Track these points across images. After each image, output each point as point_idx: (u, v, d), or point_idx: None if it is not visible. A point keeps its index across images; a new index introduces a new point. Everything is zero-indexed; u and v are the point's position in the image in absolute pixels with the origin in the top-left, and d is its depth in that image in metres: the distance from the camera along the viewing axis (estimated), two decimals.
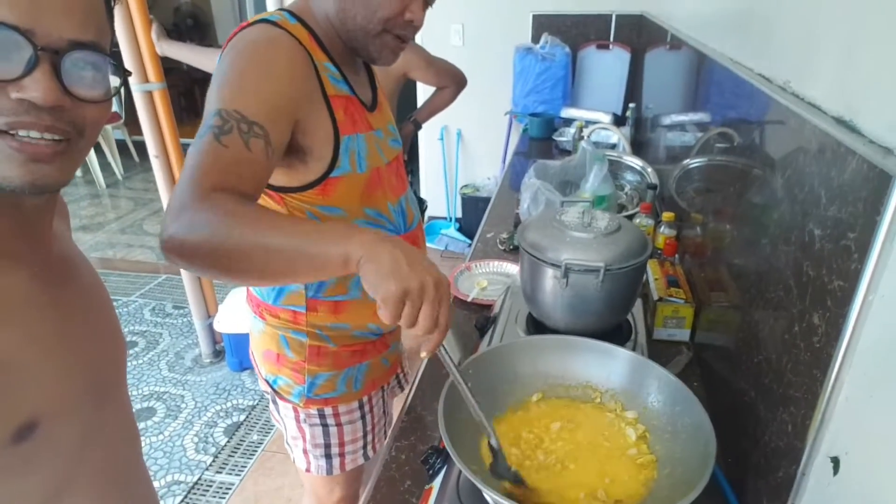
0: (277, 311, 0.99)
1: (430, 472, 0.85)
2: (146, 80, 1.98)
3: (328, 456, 1.09)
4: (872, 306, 0.54)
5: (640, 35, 2.78)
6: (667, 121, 1.98)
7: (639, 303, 1.26)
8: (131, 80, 1.98)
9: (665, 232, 1.42)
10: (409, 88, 2.08)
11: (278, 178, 0.86)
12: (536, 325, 1.14)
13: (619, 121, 2.51)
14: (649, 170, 1.76)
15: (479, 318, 1.25)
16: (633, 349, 1.07)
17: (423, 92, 2.91)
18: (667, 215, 1.42)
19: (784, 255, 0.75)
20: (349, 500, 1.18)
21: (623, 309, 1.11)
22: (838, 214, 0.61)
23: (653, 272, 1.29)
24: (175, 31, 7.42)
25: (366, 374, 1.06)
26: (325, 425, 1.06)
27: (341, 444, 1.09)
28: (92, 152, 4.39)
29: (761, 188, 0.89)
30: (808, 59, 0.78)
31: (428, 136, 3.42)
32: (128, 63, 1.94)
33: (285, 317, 0.98)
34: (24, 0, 0.44)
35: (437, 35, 2.98)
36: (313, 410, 1.05)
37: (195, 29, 7.95)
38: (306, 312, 0.97)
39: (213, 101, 0.74)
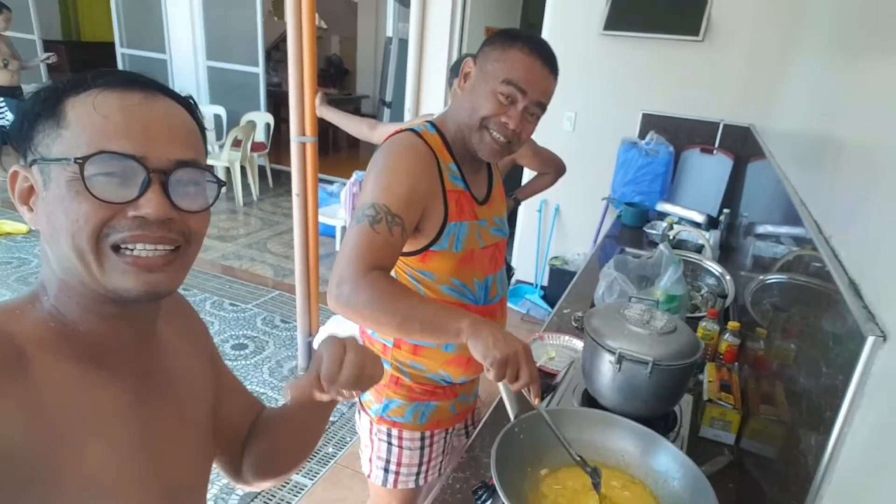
0: (373, 340, 1.23)
1: (478, 501, 1.04)
2: (303, 134, 2.41)
3: (386, 470, 1.28)
4: (847, 438, 0.68)
5: (745, 145, 2.88)
6: (759, 230, 2.07)
7: (690, 399, 1.38)
8: (292, 129, 2.42)
9: (728, 339, 1.52)
10: (516, 168, 2.35)
11: None
12: (590, 401, 1.30)
13: (712, 222, 2.60)
14: (727, 278, 1.86)
15: (543, 383, 1.43)
16: (674, 440, 1.20)
17: (529, 171, 3.17)
18: (732, 324, 1.53)
19: (808, 380, 0.89)
20: None
21: (668, 401, 1.25)
22: (838, 358, 0.75)
23: (709, 374, 1.41)
24: (321, 76, 8.45)
25: (432, 413, 1.25)
26: (389, 443, 1.26)
27: (398, 464, 1.27)
28: (238, 173, 5.10)
29: (822, 318, 0.98)
30: (845, 221, 0.93)
31: (529, 206, 3.67)
32: (293, 119, 2.38)
33: (378, 346, 1.22)
34: (138, 132, 0.53)
35: (550, 118, 3.23)
36: (383, 427, 1.25)
37: (338, 76, 8.96)
38: (392, 347, 1.20)
39: (368, 192, 1.02)
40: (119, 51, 6.43)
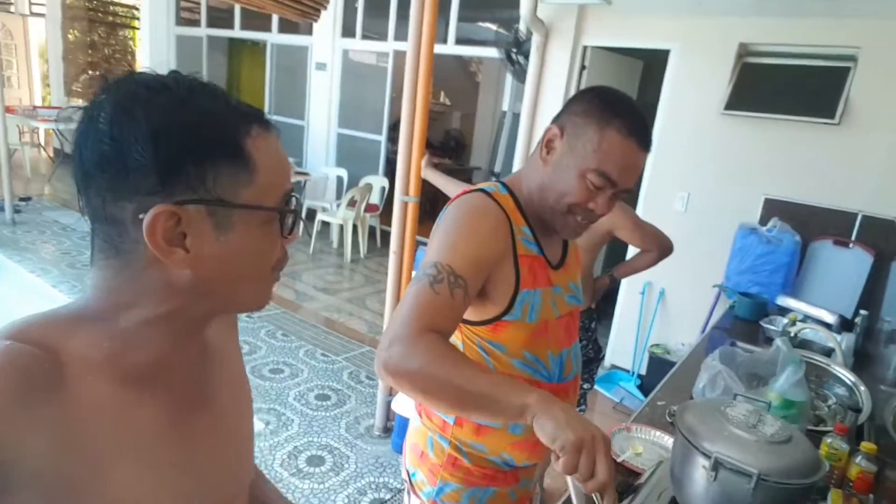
0: (432, 415, 1.14)
1: None
2: (407, 193, 2.50)
3: None
4: None
5: (888, 240, 2.54)
6: None
7: None
8: (396, 188, 2.52)
9: (861, 464, 1.27)
10: (616, 241, 2.23)
11: None
12: None
13: (845, 325, 2.27)
14: (861, 388, 1.58)
15: (623, 481, 1.26)
16: None
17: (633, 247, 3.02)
18: (867, 446, 1.28)
19: None
20: None
21: None
22: None
23: (833, 502, 1.17)
24: (440, 148, 8.91)
25: (490, 498, 1.13)
26: None
27: None
28: (350, 231, 5.41)
29: None
30: None
31: (630, 287, 3.47)
32: (398, 179, 2.49)
33: (437, 422, 1.13)
34: (289, 172, 0.59)
35: (661, 198, 3.11)
36: None
37: (456, 149, 9.41)
38: (453, 425, 1.11)
39: (433, 252, 0.96)
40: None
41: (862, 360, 2.04)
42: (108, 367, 0.52)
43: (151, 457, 0.54)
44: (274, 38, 6.97)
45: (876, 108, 2.67)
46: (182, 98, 0.50)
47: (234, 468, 0.67)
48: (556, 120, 1.04)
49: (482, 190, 1.05)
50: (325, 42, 6.20)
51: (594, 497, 0.77)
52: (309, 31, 6.41)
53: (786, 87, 2.86)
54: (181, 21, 7.70)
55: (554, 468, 0.76)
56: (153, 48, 7.43)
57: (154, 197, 0.49)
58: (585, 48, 3.62)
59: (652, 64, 4.16)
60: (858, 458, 1.28)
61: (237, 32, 7.37)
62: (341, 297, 4.65)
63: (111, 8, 8.74)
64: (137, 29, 8.46)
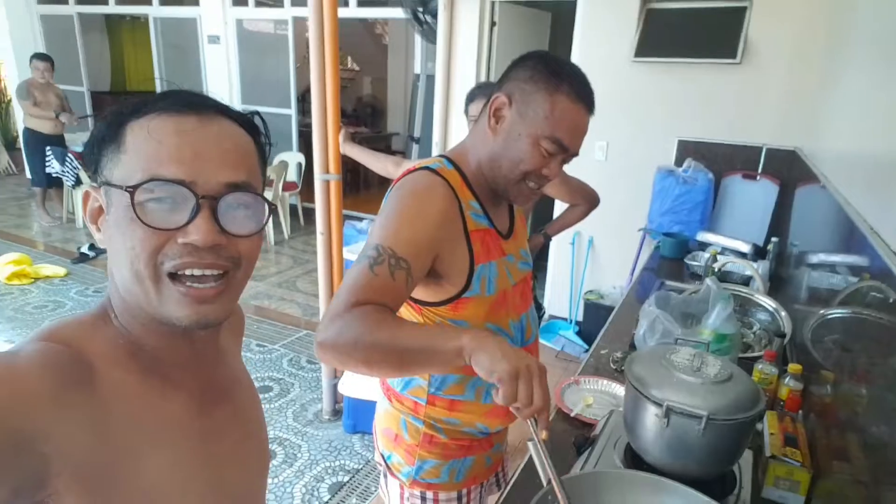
0: (402, 398, 1.13)
1: None
2: (327, 171, 2.38)
3: None
4: None
5: (791, 169, 2.71)
6: (813, 259, 1.89)
7: (749, 454, 1.21)
8: (315, 167, 2.39)
9: (790, 384, 1.36)
10: (545, 200, 2.24)
11: (418, 293, 1.03)
12: (634, 457, 1.16)
13: (759, 252, 2.43)
14: (782, 314, 1.70)
15: (579, 435, 1.29)
16: None
17: (560, 203, 3.06)
18: (793, 367, 1.37)
19: (891, 430, 0.74)
20: None
21: (726, 461, 1.09)
22: None
23: (769, 426, 1.24)
24: (354, 116, 8.60)
25: (469, 468, 1.15)
26: None
27: None
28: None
29: None
30: None
31: (561, 239, 3.54)
32: (316, 157, 2.36)
33: (408, 404, 1.12)
34: (188, 157, 0.52)
35: (582, 149, 3.14)
36: (416, 491, 1.14)
37: (371, 115, 9.12)
38: (426, 405, 1.10)
39: (375, 234, 0.94)
40: None
41: (777, 284, 2.19)
42: (128, 362, 0.55)
43: (177, 450, 0.56)
44: (156, 10, 6.36)
45: (772, 45, 2.80)
46: (126, 104, 0.56)
47: (252, 465, 0.69)
48: (500, 87, 1.01)
49: (427, 168, 1.01)
50: (214, 12, 5.73)
51: (530, 422, 0.79)
52: (195, 2, 5.88)
53: (690, 31, 2.94)
54: None
55: (496, 400, 0.78)
56: (14, 29, 6.57)
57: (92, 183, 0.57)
58: (494, 3, 3.54)
59: (560, 15, 4.16)
60: (787, 380, 1.37)
61: (112, 8, 6.65)
62: (270, 283, 4.46)
63: None
64: None
